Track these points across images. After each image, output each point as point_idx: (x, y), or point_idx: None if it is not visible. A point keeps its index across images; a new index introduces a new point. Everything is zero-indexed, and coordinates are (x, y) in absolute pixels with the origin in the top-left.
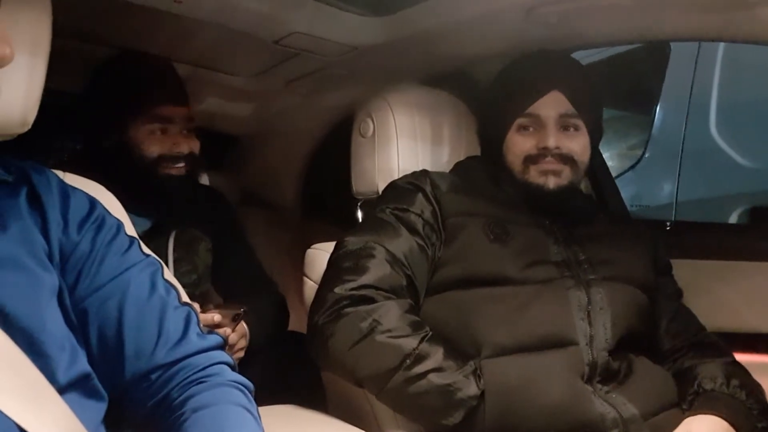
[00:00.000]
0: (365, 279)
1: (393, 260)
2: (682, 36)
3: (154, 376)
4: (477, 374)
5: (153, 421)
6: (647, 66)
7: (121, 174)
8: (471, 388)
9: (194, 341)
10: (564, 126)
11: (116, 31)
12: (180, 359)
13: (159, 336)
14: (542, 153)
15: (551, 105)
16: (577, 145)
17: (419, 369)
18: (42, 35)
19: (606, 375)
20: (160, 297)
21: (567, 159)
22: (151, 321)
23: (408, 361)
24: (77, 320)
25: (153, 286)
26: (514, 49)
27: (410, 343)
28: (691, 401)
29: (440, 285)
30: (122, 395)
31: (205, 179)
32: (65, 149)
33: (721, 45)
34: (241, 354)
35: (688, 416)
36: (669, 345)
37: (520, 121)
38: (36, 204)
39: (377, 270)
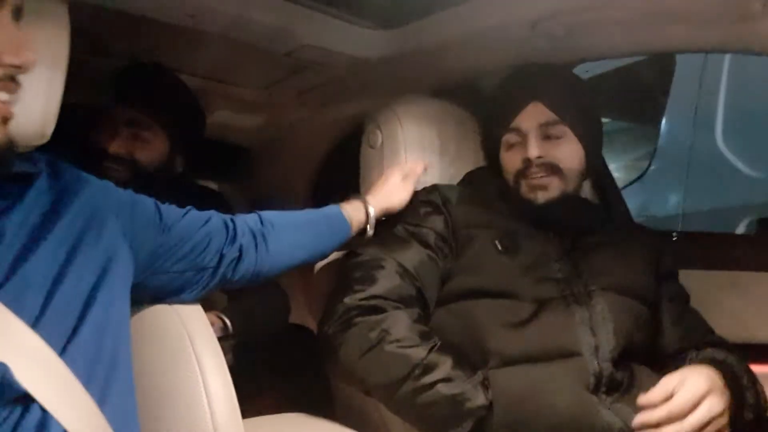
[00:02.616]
0: (375, 289)
1: (403, 272)
2: (686, 48)
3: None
4: (485, 384)
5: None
6: (653, 77)
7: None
8: (479, 399)
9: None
10: (546, 135)
11: (129, 45)
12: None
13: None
14: (527, 165)
15: (531, 116)
16: (562, 152)
17: (428, 379)
18: (60, 49)
19: (610, 385)
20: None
21: (553, 168)
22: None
23: (417, 371)
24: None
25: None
26: (521, 61)
27: (419, 353)
28: (689, 362)
29: (449, 295)
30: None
31: (213, 188)
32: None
33: (728, 55)
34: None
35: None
36: (675, 347)
37: (506, 137)
38: (63, 197)
39: (387, 281)
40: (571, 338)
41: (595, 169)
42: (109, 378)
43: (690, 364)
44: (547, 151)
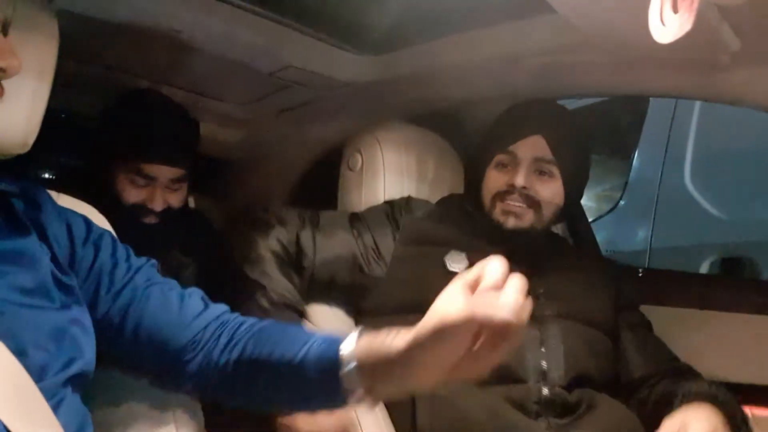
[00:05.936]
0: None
1: (305, 243)
2: (658, 93)
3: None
4: None
5: (208, 373)
6: (627, 113)
7: (103, 208)
8: None
9: (214, 307)
10: (539, 170)
11: (114, 54)
12: (213, 319)
13: (188, 310)
14: (510, 190)
15: (530, 147)
16: (547, 190)
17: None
18: (48, 60)
19: (562, 410)
20: (174, 285)
21: (533, 202)
22: (176, 302)
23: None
24: (104, 327)
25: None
26: (501, 94)
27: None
28: (680, 401)
29: (387, 306)
30: (168, 370)
31: (190, 202)
32: (60, 165)
33: None
34: None
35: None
36: (640, 372)
37: (498, 157)
38: (37, 221)
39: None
40: (517, 362)
41: (570, 208)
42: (66, 384)
43: (682, 402)
44: (533, 184)
